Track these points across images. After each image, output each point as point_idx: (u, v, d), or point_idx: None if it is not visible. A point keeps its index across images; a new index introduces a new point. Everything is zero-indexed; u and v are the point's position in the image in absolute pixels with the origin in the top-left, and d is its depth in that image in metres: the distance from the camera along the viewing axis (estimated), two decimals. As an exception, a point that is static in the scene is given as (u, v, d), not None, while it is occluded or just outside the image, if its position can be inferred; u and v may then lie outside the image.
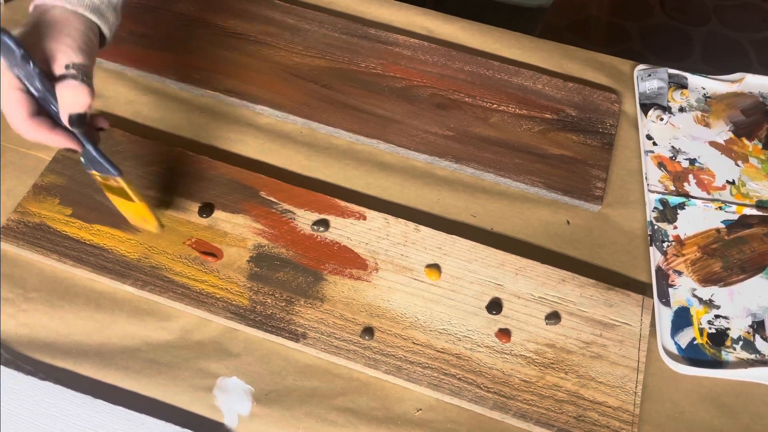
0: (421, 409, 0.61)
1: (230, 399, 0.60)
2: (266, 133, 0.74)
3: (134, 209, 0.61)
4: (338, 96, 0.75)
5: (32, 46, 0.52)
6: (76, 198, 0.66)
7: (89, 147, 0.56)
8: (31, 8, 0.56)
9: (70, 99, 0.53)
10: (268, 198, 0.68)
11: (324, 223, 0.67)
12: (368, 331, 0.62)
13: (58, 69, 0.53)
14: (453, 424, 0.60)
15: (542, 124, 0.75)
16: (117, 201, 0.61)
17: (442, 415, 0.60)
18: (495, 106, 0.76)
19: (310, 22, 0.81)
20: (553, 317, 0.63)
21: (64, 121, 0.54)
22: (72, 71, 0.52)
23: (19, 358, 0.60)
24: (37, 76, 0.51)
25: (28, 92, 0.52)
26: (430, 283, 0.65)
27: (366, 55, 0.79)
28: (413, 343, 0.62)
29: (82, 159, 0.57)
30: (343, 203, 0.68)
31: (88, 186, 0.67)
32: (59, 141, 0.54)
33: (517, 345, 0.62)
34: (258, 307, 0.62)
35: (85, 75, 0.53)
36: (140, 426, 0.58)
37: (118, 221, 0.65)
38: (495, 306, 0.64)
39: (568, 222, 0.71)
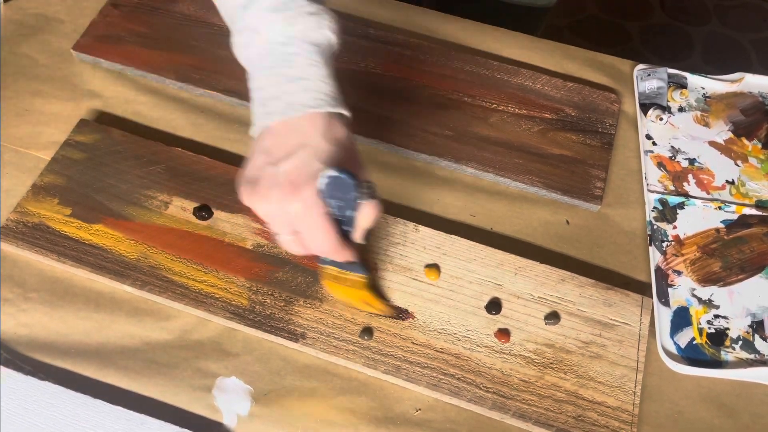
0: (420, 409, 0.61)
1: (229, 399, 0.60)
2: (266, 133, 0.74)
3: (357, 294, 0.62)
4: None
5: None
6: (76, 198, 0.67)
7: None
8: (263, 124, 0.53)
9: (368, 218, 0.53)
10: (268, 198, 0.68)
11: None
12: (367, 331, 0.62)
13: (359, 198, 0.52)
14: (452, 423, 0.60)
15: (542, 123, 0.75)
16: (337, 287, 0.61)
17: (441, 414, 0.60)
18: (494, 105, 0.76)
19: (309, 22, 0.81)
20: (553, 317, 0.63)
21: (358, 237, 0.54)
22: (367, 190, 0.52)
23: (19, 358, 0.60)
24: (354, 207, 0.52)
25: (332, 217, 0.52)
26: (429, 282, 0.65)
27: (366, 55, 0.79)
28: (412, 343, 0.62)
29: (324, 257, 0.58)
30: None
31: (87, 186, 0.67)
32: (347, 255, 0.55)
33: (517, 345, 0.62)
34: (257, 307, 0.62)
35: (375, 191, 0.53)
36: (140, 426, 0.58)
37: (118, 221, 0.65)
38: (494, 306, 0.64)
39: (567, 222, 0.71)
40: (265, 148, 0.52)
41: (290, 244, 0.53)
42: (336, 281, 0.61)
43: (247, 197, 0.52)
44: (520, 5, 0.95)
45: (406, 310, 0.63)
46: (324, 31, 0.53)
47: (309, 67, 0.52)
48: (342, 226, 0.53)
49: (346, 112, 0.54)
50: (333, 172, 0.49)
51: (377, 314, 0.62)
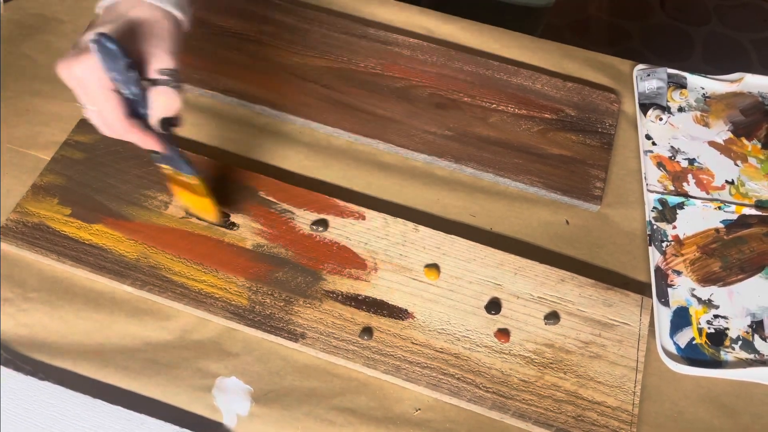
0: (420, 409, 0.61)
1: (229, 399, 0.60)
2: (266, 133, 0.74)
3: (199, 203, 0.64)
4: (338, 96, 0.75)
5: (126, 49, 0.52)
6: (75, 198, 0.67)
7: (173, 148, 0.58)
8: (104, 4, 0.55)
9: (164, 104, 0.54)
10: (267, 198, 0.68)
11: (323, 223, 0.67)
12: (367, 331, 0.62)
13: (151, 73, 0.53)
14: (452, 423, 0.60)
15: (541, 123, 0.75)
16: (181, 192, 0.64)
17: (441, 414, 0.60)
18: (494, 105, 0.76)
19: (310, 22, 0.81)
20: (552, 317, 0.64)
21: (153, 122, 0.55)
22: (165, 77, 0.53)
23: (19, 358, 0.60)
24: (134, 82, 0.52)
25: (121, 94, 0.53)
26: (429, 282, 0.65)
27: (366, 55, 0.79)
28: (412, 342, 0.62)
29: (153, 155, 0.59)
30: (342, 203, 0.68)
31: (87, 186, 0.67)
32: (149, 142, 0.56)
33: (516, 345, 0.62)
34: (257, 307, 0.62)
35: (176, 80, 0.54)
36: (140, 426, 0.58)
37: (118, 221, 0.65)
38: (494, 306, 0.64)
39: (567, 222, 0.71)
40: (93, 25, 0.54)
41: (94, 119, 0.55)
42: (176, 184, 0.62)
43: (58, 66, 0.53)
44: (519, 5, 0.95)
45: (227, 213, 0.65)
46: None
47: None
48: (139, 108, 0.54)
49: (176, 12, 0.55)
50: (95, 36, 0.49)
51: (208, 222, 0.65)
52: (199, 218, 0.66)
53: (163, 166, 0.61)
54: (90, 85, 0.52)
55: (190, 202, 0.65)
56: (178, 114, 0.55)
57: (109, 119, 0.54)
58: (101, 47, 0.50)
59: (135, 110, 0.54)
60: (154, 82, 0.53)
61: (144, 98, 0.54)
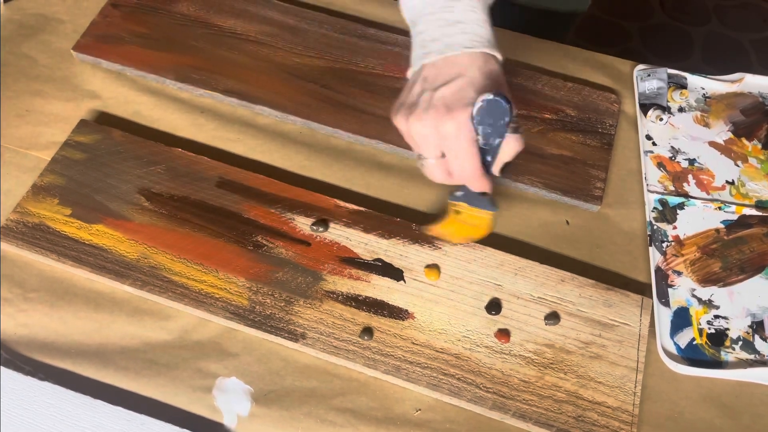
0: (420, 409, 0.61)
1: (229, 399, 0.60)
2: (266, 133, 0.74)
3: (471, 233, 0.64)
4: (338, 96, 0.75)
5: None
6: (76, 198, 0.66)
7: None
8: (431, 60, 0.56)
9: (512, 151, 0.57)
10: (268, 198, 0.68)
11: (323, 223, 0.67)
12: (367, 331, 0.62)
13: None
14: (452, 424, 0.60)
15: (542, 124, 0.75)
16: (455, 225, 0.64)
17: (441, 415, 0.60)
18: (494, 106, 0.76)
19: (309, 22, 0.81)
20: (553, 317, 0.63)
21: (497, 169, 0.58)
22: (515, 124, 0.56)
23: (19, 359, 0.60)
24: (502, 134, 0.55)
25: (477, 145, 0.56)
26: (429, 283, 0.65)
27: (366, 55, 0.79)
28: (412, 343, 0.62)
29: (457, 193, 0.61)
30: (342, 203, 0.68)
31: (87, 186, 0.67)
32: (485, 186, 0.58)
33: (517, 345, 0.62)
34: (257, 307, 0.62)
35: (520, 125, 0.57)
36: (140, 426, 0.58)
37: (118, 221, 0.65)
38: (494, 306, 0.64)
39: (567, 222, 0.71)
40: (423, 78, 0.56)
41: (434, 169, 0.57)
42: (459, 220, 0.62)
43: (402, 119, 0.56)
44: (551, 10, 0.94)
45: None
46: None
47: (468, 12, 0.57)
48: (485, 156, 0.56)
49: (499, 55, 0.57)
50: (490, 96, 0.53)
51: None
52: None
53: (459, 204, 0.62)
54: (454, 140, 0.54)
55: (456, 233, 0.65)
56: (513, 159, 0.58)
57: (463, 170, 0.56)
58: (492, 105, 0.53)
59: (482, 159, 0.57)
60: (510, 128, 0.55)
61: (495, 149, 0.56)
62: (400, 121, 0.57)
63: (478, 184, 0.58)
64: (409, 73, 0.59)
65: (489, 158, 0.57)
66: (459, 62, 0.55)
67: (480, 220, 0.62)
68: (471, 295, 0.64)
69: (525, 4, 0.92)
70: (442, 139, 0.55)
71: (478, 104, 0.53)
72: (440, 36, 0.56)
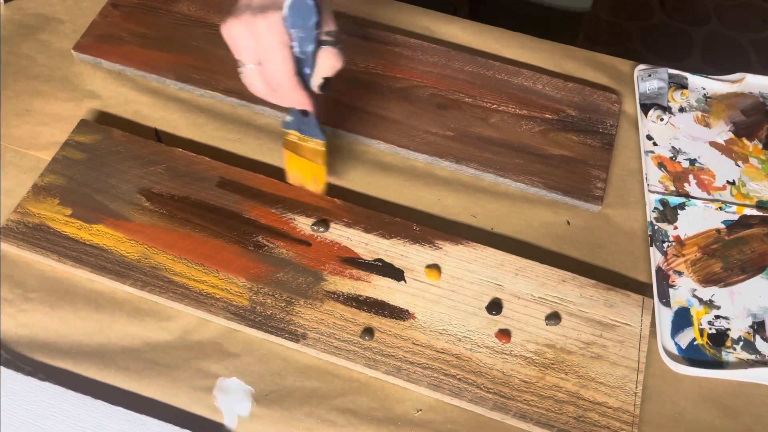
0: (421, 410, 0.60)
1: (230, 399, 0.60)
2: (266, 133, 0.74)
3: (311, 169, 0.65)
4: (338, 96, 0.75)
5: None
6: (76, 198, 0.66)
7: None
8: None
9: (328, 64, 0.56)
10: (268, 198, 0.68)
11: (324, 224, 0.67)
12: (368, 332, 0.62)
13: (321, 35, 0.55)
14: (453, 424, 0.60)
15: (542, 124, 0.75)
16: (293, 158, 0.65)
17: (442, 415, 0.60)
18: (495, 106, 0.76)
19: (310, 22, 0.80)
20: (553, 318, 0.63)
21: (315, 83, 0.57)
22: (331, 38, 0.56)
23: (19, 359, 0.60)
24: (314, 40, 0.54)
25: (292, 52, 0.55)
26: (429, 283, 0.65)
27: (366, 55, 0.78)
28: (413, 343, 0.62)
29: (288, 118, 0.62)
30: (342, 203, 0.68)
31: (87, 186, 0.67)
32: (304, 102, 0.58)
33: (517, 345, 0.62)
34: (258, 307, 0.62)
35: (340, 41, 0.56)
36: (140, 426, 0.58)
37: (119, 221, 0.65)
38: (495, 306, 0.64)
39: (568, 222, 0.71)
40: None
41: (252, 76, 0.56)
42: (295, 150, 0.63)
43: (224, 27, 0.55)
44: (558, 9, 0.94)
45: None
46: None
47: None
48: (302, 67, 0.56)
49: None
50: None
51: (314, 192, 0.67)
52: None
53: (292, 132, 0.62)
54: (267, 41, 0.54)
55: (302, 171, 0.66)
56: (335, 76, 0.57)
57: (277, 77, 0.55)
58: (299, 3, 0.52)
59: (298, 69, 0.56)
60: (321, 43, 0.55)
61: (310, 59, 0.56)
62: (223, 30, 0.55)
63: (295, 95, 0.57)
64: None
65: (307, 69, 0.56)
66: None
67: (312, 151, 0.62)
68: (472, 296, 0.64)
69: (541, 2, 0.92)
70: (255, 41, 0.54)
71: (287, 2, 0.52)
72: None
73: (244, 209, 0.67)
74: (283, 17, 0.53)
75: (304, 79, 0.57)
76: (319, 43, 0.55)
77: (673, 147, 0.76)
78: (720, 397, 0.63)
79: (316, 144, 0.63)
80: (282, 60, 0.55)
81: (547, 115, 0.76)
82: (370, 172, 0.72)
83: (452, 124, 0.74)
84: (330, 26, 0.56)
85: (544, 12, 0.95)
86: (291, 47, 0.55)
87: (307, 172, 0.66)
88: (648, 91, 0.78)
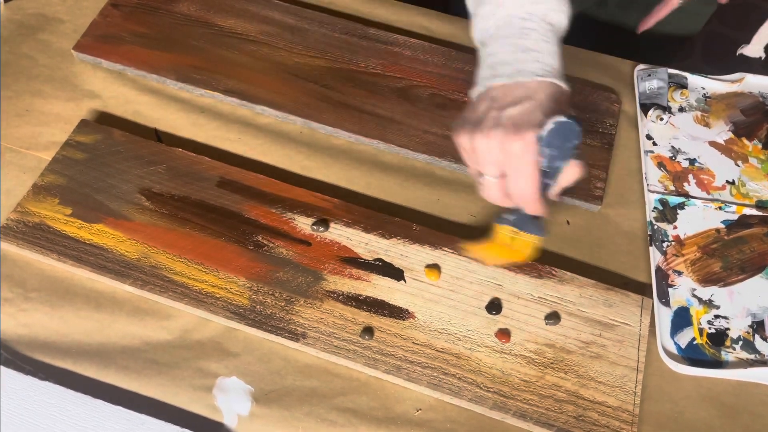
0: (420, 409, 0.61)
1: (230, 399, 0.60)
2: (266, 133, 0.74)
3: (512, 257, 0.63)
4: (338, 96, 0.75)
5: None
6: (76, 198, 0.66)
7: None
8: (498, 83, 0.56)
9: (573, 177, 0.56)
10: (268, 198, 0.68)
11: (324, 223, 0.67)
12: (368, 331, 0.62)
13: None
14: (453, 423, 0.60)
15: (542, 124, 0.75)
16: (500, 249, 0.63)
17: (441, 414, 0.60)
18: (495, 106, 0.76)
19: (310, 22, 0.81)
20: (553, 317, 0.63)
21: (554, 193, 0.57)
22: (578, 150, 0.55)
23: (19, 358, 0.60)
24: (567, 159, 0.54)
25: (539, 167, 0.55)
26: (429, 283, 0.65)
27: (366, 55, 0.79)
28: (413, 342, 0.62)
29: (509, 216, 0.60)
30: (342, 203, 0.68)
31: (87, 186, 0.67)
32: (540, 209, 0.58)
33: (517, 345, 0.62)
34: (258, 306, 0.62)
35: (581, 152, 0.57)
36: (140, 426, 0.58)
37: (118, 221, 0.65)
38: (494, 306, 0.64)
39: (567, 222, 0.71)
40: (491, 97, 0.56)
41: (493, 188, 0.57)
42: (503, 243, 0.62)
43: (467, 135, 0.56)
44: (664, 34, 0.93)
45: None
46: (561, 15, 0.60)
47: (542, 42, 0.58)
48: (544, 179, 0.56)
49: (566, 87, 0.57)
50: (563, 118, 0.52)
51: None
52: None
53: (506, 227, 0.61)
54: (518, 159, 0.54)
55: (500, 256, 0.64)
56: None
57: (522, 191, 0.56)
58: (564, 127, 0.53)
59: (541, 181, 0.56)
60: (575, 153, 0.55)
61: (556, 172, 0.55)
62: (463, 137, 0.56)
63: (534, 207, 0.57)
64: (474, 93, 0.59)
65: (548, 181, 0.56)
66: (528, 86, 0.55)
67: (525, 244, 0.61)
68: (471, 295, 0.64)
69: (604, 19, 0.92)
70: (506, 158, 0.54)
71: (550, 125, 0.53)
72: (513, 61, 0.57)
73: (244, 209, 0.67)
74: (538, 137, 0.53)
75: (543, 189, 0.56)
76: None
77: (672, 147, 0.76)
78: (719, 397, 0.63)
79: (534, 239, 0.61)
80: (530, 177, 0.55)
81: (546, 115, 0.76)
82: (369, 171, 0.73)
83: (452, 124, 0.74)
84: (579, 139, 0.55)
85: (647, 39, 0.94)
86: (539, 163, 0.54)
87: (506, 256, 0.64)
88: (648, 91, 0.79)
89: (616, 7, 0.93)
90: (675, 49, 0.99)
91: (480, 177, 0.57)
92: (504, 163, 0.55)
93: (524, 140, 0.53)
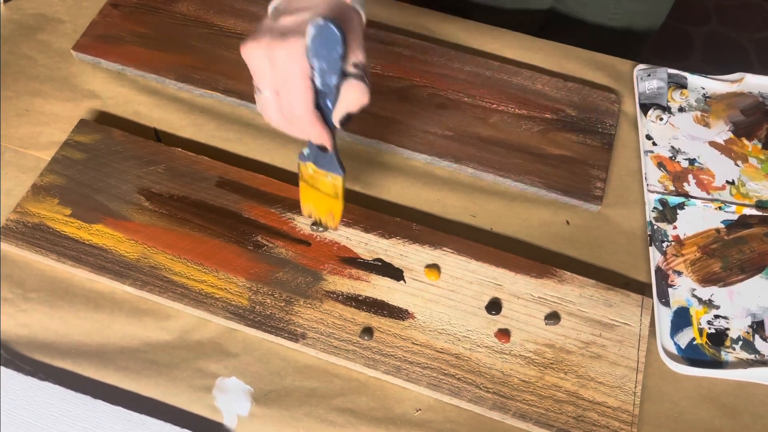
0: (420, 410, 0.61)
1: (229, 399, 0.60)
2: (266, 133, 0.74)
3: (327, 204, 0.61)
4: (338, 96, 0.75)
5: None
6: (76, 198, 0.66)
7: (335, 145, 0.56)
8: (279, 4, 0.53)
9: (352, 99, 0.52)
10: (268, 198, 0.68)
11: (323, 223, 0.67)
12: (367, 332, 0.62)
13: (347, 67, 0.51)
14: (452, 424, 0.60)
15: (542, 124, 0.75)
16: (309, 191, 0.61)
17: (441, 415, 0.60)
18: (495, 106, 0.76)
19: (309, 22, 0.81)
20: (553, 317, 0.63)
21: (336, 118, 0.53)
22: (359, 71, 0.51)
23: (19, 358, 0.60)
24: (338, 72, 0.50)
25: (313, 83, 0.51)
26: (429, 283, 0.65)
27: (366, 55, 0.78)
28: (413, 343, 0.62)
29: (304, 151, 0.57)
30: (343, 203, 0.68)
31: (87, 186, 0.67)
32: (322, 137, 0.54)
33: (517, 345, 0.62)
34: (257, 307, 0.62)
35: (367, 75, 0.52)
36: (140, 426, 0.58)
37: (118, 221, 0.65)
38: (494, 306, 0.64)
39: (567, 222, 0.71)
40: (277, 9, 0.52)
41: (268, 105, 0.53)
42: (311, 183, 0.60)
43: (243, 49, 0.52)
44: (620, 29, 0.94)
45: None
46: None
47: None
48: (323, 100, 0.52)
49: (362, 13, 0.53)
50: (320, 21, 0.47)
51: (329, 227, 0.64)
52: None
53: (308, 164, 0.58)
54: (286, 70, 0.50)
55: (318, 205, 0.62)
56: (359, 111, 0.53)
57: (295, 108, 0.51)
58: (324, 32, 0.47)
59: (317, 102, 0.52)
60: (347, 75, 0.51)
61: (333, 91, 0.51)
62: (242, 51, 0.52)
63: (313, 130, 0.53)
64: (270, 7, 0.54)
65: (328, 103, 0.52)
66: (304, 3, 0.51)
67: (328, 185, 0.59)
68: (471, 295, 0.64)
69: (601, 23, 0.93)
70: (274, 68, 0.50)
71: (310, 31, 0.48)
72: None
73: (243, 209, 0.67)
74: (306, 47, 0.49)
75: (324, 113, 0.53)
76: (345, 76, 0.51)
77: (672, 147, 0.76)
78: (719, 397, 0.63)
79: (334, 179, 0.59)
80: (301, 91, 0.50)
81: (546, 115, 0.76)
82: (369, 171, 0.72)
83: (452, 124, 0.74)
84: (358, 57, 0.51)
85: (605, 32, 0.95)
86: (312, 78, 0.50)
87: (322, 206, 0.62)
88: (647, 91, 0.79)
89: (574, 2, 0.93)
90: (639, 45, 0.99)
91: (258, 93, 0.53)
92: (274, 76, 0.51)
93: (288, 46, 0.49)
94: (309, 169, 0.59)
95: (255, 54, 0.51)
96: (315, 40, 0.48)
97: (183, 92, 0.76)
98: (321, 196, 0.61)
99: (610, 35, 0.95)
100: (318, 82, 0.51)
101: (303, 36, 0.49)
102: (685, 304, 0.67)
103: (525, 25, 0.84)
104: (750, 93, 0.80)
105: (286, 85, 0.51)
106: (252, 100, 0.74)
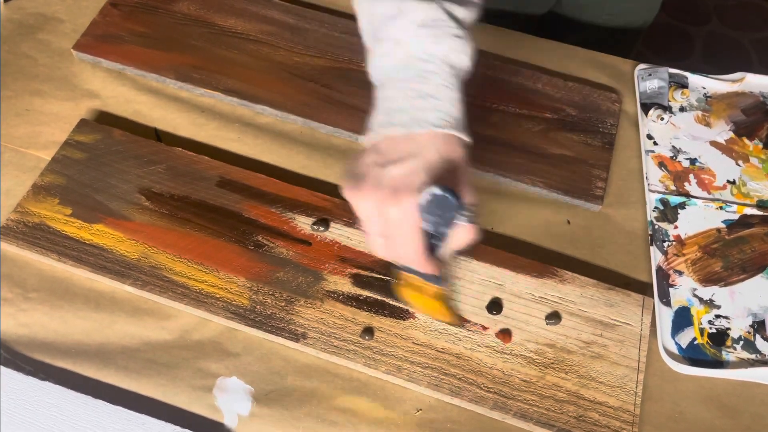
0: (421, 409, 0.60)
1: (230, 399, 0.60)
2: (266, 132, 0.74)
3: (432, 306, 0.61)
4: (338, 96, 0.75)
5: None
6: (76, 198, 0.66)
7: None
8: (388, 133, 0.52)
9: (463, 240, 0.52)
10: (268, 198, 0.68)
11: (324, 223, 0.67)
12: (368, 331, 0.62)
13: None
14: (453, 424, 0.60)
15: (543, 123, 0.75)
16: (414, 296, 0.61)
17: (442, 415, 0.60)
18: (495, 105, 0.76)
19: (310, 21, 0.81)
20: (554, 317, 0.63)
21: (446, 254, 0.54)
22: (469, 212, 0.51)
23: (19, 358, 0.60)
24: (451, 224, 0.51)
25: (424, 231, 0.51)
26: (430, 282, 0.65)
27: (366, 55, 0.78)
28: (413, 343, 0.62)
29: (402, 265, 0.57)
30: (342, 203, 0.68)
31: (87, 186, 0.67)
32: (430, 270, 0.54)
33: (518, 345, 0.62)
34: (258, 306, 0.62)
35: (475, 214, 0.52)
36: (140, 426, 0.58)
37: (118, 221, 0.65)
38: (495, 306, 0.64)
39: (568, 222, 0.71)
40: (378, 149, 0.52)
41: (378, 247, 0.53)
42: (411, 288, 0.60)
43: (348, 192, 0.52)
44: (614, 27, 0.94)
45: (466, 319, 0.63)
46: (464, 56, 0.54)
47: (443, 87, 0.52)
48: (432, 240, 0.52)
49: (466, 138, 0.53)
50: (437, 190, 0.49)
51: (443, 322, 0.62)
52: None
53: (406, 274, 0.59)
54: (397, 225, 0.50)
55: (421, 305, 0.62)
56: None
57: (405, 253, 0.52)
58: (439, 199, 0.49)
59: (428, 244, 0.52)
60: (460, 219, 0.51)
61: (444, 234, 0.52)
62: (346, 193, 0.52)
63: (424, 267, 0.53)
64: (366, 140, 0.54)
65: (437, 243, 0.53)
66: (419, 141, 0.51)
67: (430, 289, 0.60)
68: (472, 295, 0.64)
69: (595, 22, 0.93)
70: (386, 221, 0.50)
71: (425, 196, 0.49)
72: (409, 108, 0.52)
73: (243, 209, 0.67)
74: (418, 204, 0.49)
75: (431, 247, 0.53)
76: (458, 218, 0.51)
77: (673, 146, 0.76)
78: (720, 397, 0.63)
79: (438, 289, 0.59)
80: (412, 243, 0.51)
81: (547, 115, 0.76)
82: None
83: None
84: (469, 200, 0.51)
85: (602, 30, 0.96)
86: (424, 227, 0.51)
87: (428, 306, 0.62)
88: (648, 91, 0.78)
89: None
90: (633, 41, 1.00)
91: (367, 234, 0.53)
92: (384, 226, 0.51)
93: (401, 207, 0.49)
94: (408, 277, 0.59)
95: (364, 206, 0.51)
96: (430, 204, 0.49)
97: (183, 92, 0.76)
98: (424, 298, 0.61)
99: (605, 34, 0.95)
100: (429, 229, 0.51)
101: (415, 193, 0.49)
102: (686, 304, 0.67)
103: (522, 29, 0.85)
104: (751, 93, 0.80)
105: (397, 236, 0.51)
106: (252, 100, 0.74)
